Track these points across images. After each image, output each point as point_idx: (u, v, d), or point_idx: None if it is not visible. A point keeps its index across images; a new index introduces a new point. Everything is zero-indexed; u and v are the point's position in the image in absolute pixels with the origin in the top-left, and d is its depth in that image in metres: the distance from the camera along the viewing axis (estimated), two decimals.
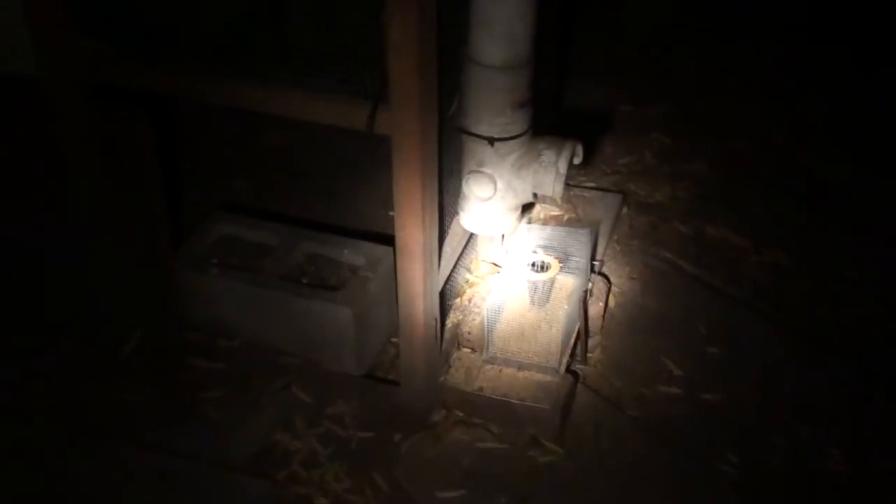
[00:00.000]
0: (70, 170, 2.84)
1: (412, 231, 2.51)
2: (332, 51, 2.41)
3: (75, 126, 2.76)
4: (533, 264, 2.95)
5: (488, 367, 2.84)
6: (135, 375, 2.89)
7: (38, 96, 2.72)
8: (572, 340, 2.89)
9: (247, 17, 2.48)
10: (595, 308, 3.03)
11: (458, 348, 2.90)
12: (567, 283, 2.99)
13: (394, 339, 2.97)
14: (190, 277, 2.97)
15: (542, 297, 2.95)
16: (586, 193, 3.57)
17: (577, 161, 2.74)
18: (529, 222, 3.17)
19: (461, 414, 2.79)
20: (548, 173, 2.67)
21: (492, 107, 2.63)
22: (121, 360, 2.94)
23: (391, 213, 2.57)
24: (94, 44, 2.61)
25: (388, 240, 2.97)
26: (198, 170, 3.59)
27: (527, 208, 2.94)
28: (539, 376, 2.80)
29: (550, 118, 3.46)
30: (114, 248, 2.97)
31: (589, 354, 2.98)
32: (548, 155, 2.68)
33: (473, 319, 2.96)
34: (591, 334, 3.00)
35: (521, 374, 2.81)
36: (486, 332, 2.84)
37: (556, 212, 3.45)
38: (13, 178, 3.12)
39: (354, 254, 3.02)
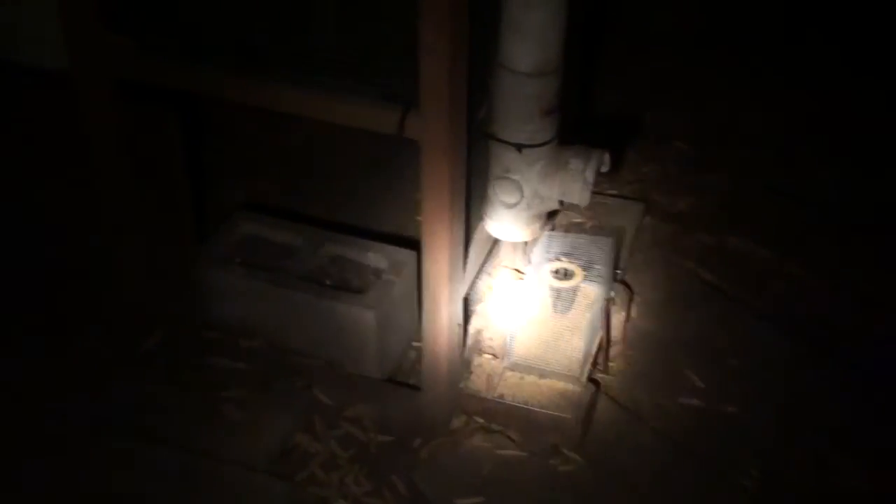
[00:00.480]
0: (95, 165, 2.84)
1: (438, 236, 2.51)
2: (361, 53, 2.41)
3: (102, 121, 2.77)
4: (556, 272, 2.94)
5: (510, 374, 2.83)
6: (156, 373, 2.90)
7: (67, 91, 2.73)
8: (594, 349, 2.89)
9: (275, 16, 2.48)
10: (617, 317, 3.02)
11: (480, 354, 2.90)
12: (590, 292, 2.98)
13: (415, 344, 2.97)
14: (213, 276, 2.97)
15: (565, 304, 2.95)
16: (609, 201, 3.56)
17: (604, 170, 2.73)
18: (553, 229, 3.16)
19: (481, 420, 2.79)
20: (575, 182, 2.67)
21: (520, 113, 2.62)
22: (142, 357, 2.94)
23: (418, 219, 2.57)
24: (124, 41, 2.61)
25: (412, 243, 2.98)
26: (221, 168, 3.60)
27: (551, 215, 2.93)
28: (560, 385, 2.79)
29: (576, 125, 3.45)
30: (137, 244, 2.98)
31: (610, 363, 2.98)
32: (575, 163, 2.67)
33: (496, 326, 2.96)
34: (612, 343, 2.99)
35: (542, 382, 2.80)
36: (508, 338, 2.84)
37: (578, 219, 3.45)
38: (39, 172, 3.13)
39: (378, 256, 3.01)
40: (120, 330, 3.00)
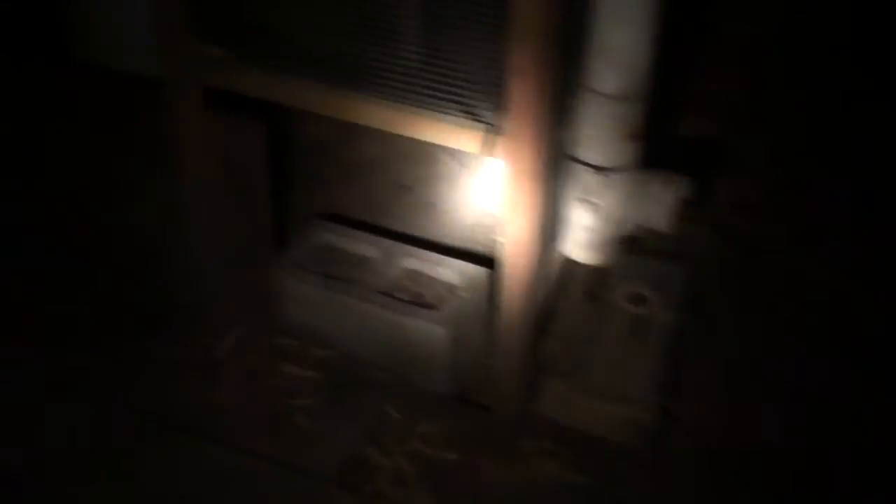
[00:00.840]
0: (181, 170, 2.89)
1: (517, 257, 2.50)
2: (449, 70, 2.41)
3: (190, 128, 2.81)
4: (631, 297, 2.91)
5: (581, 398, 2.80)
6: (228, 377, 2.93)
7: (156, 97, 2.78)
8: (668, 377, 2.84)
9: (364, 32, 2.49)
10: (690, 344, 2.97)
11: (552, 377, 2.87)
12: (664, 318, 2.94)
13: (486, 362, 2.95)
14: (288, 284, 3.00)
15: (639, 330, 2.90)
16: (688, 227, 3.50)
17: (686, 196, 2.69)
18: (630, 254, 3.13)
19: (550, 444, 2.76)
20: (656, 207, 2.63)
21: (604, 135, 2.60)
22: (215, 360, 2.98)
23: (495, 237, 2.55)
24: (215, 50, 2.65)
25: (486, 259, 2.97)
26: (297, 175, 3.62)
27: (629, 240, 2.90)
28: (633, 412, 2.75)
29: (659, 149, 3.41)
30: (216, 248, 3.02)
31: (685, 393, 2.93)
32: (657, 188, 2.64)
33: (569, 349, 2.93)
34: (686, 370, 2.94)
35: (613, 408, 2.77)
36: (580, 362, 2.81)
37: (655, 244, 3.40)
38: (123, 176, 3.19)
39: (452, 272, 3.01)
40: (194, 333, 3.04)
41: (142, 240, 3.19)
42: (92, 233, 3.26)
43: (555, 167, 2.54)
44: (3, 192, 3.30)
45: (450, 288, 2.98)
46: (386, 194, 3.66)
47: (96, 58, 3.13)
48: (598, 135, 2.60)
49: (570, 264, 2.91)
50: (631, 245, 3.26)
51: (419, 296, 2.98)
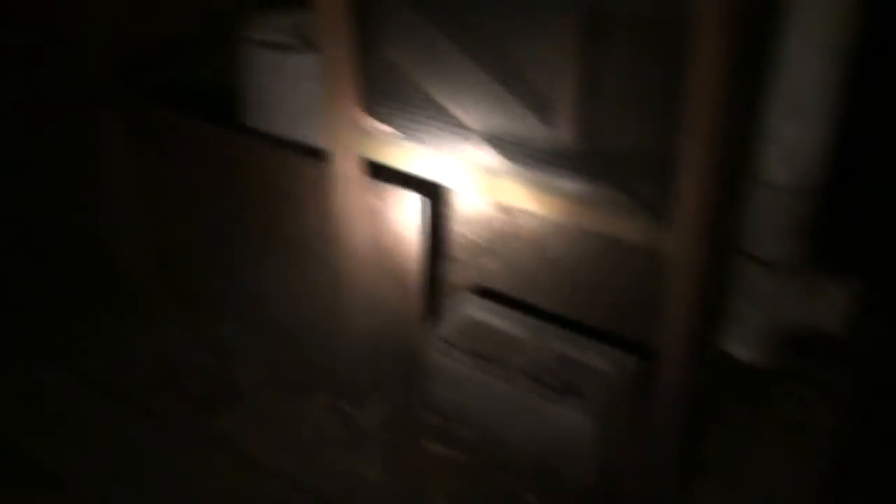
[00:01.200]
0: (339, 237, 2.93)
1: (675, 352, 2.40)
2: (610, 151, 2.35)
3: (351, 199, 2.85)
4: (793, 398, 2.74)
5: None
6: (369, 446, 2.92)
7: (320, 167, 2.83)
8: (827, 486, 2.65)
9: (518, 107, 2.47)
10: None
11: (704, 479, 2.73)
12: (826, 422, 2.75)
13: (635, 456, 2.83)
14: (435, 359, 2.97)
15: (799, 434, 2.73)
16: (858, 329, 3.29)
17: (860, 298, 2.53)
18: (795, 354, 2.96)
19: None
20: (827, 308, 2.48)
21: (773, 228, 2.48)
22: (357, 428, 2.97)
23: (651, 327, 2.46)
24: (376, 124, 2.69)
25: (639, 347, 2.86)
26: (449, 247, 3.62)
27: (794, 339, 2.75)
28: None
29: (835, 244, 3.24)
30: (367, 318, 3.03)
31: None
32: (830, 288, 2.49)
33: (724, 450, 2.78)
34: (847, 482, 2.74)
35: None
36: (734, 465, 2.65)
37: (823, 345, 3.20)
38: (284, 240, 3.26)
39: (603, 358, 2.92)
40: (340, 403, 3.05)
41: (310, 305, 3.25)
42: (251, 294, 3.34)
43: (720, 259, 2.44)
44: (172, 252, 3.43)
45: (600, 375, 2.89)
46: (538, 270, 3.61)
47: (264, 125, 3.23)
48: (767, 227, 2.48)
49: (731, 362, 2.77)
50: (797, 345, 3.09)
51: (567, 381, 2.89)
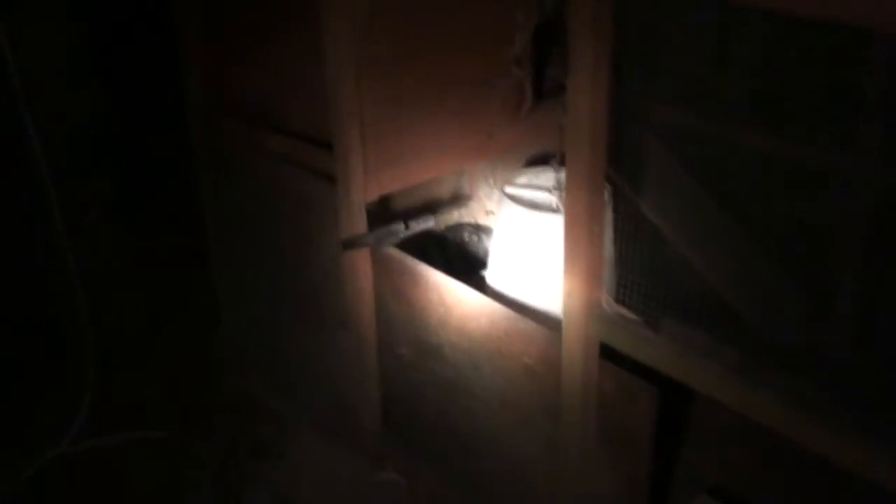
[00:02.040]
0: (565, 414, 2.71)
1: None
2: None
3: (582, 379, 2.63)
4: None
5: None
6: None
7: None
8: None
9: (792, 302, 2.13)
10: None
11: None
12: None
13: None
14: None
15: None
16: None
17: None
18: None
19: None
20: None
21: None
22: None
23: None
24: (623, 310, 2.46)
25: None
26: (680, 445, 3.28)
27: None
28: None
29: None
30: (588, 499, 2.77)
31: None
32: None
33: None
34: None
35: None
36: None
37: None
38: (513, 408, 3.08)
39: None
40: None
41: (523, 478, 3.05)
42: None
43: None
44: None
45: None
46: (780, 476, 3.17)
47: (507, 282, 3.10)
48: None
49: None
50: None
51: None
